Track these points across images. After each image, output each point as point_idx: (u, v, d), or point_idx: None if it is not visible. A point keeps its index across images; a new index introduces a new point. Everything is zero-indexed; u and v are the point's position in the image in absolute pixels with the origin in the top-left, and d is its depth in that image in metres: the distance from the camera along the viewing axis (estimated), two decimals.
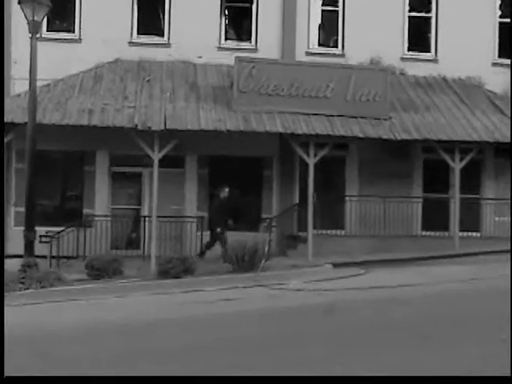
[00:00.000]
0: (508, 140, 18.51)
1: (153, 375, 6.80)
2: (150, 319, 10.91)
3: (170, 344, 8.95)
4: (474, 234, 20.11)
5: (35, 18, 14.67)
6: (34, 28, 14.74)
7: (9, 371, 6.75)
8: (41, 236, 16.58)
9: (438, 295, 12.24)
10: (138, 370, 7.55)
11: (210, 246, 18.16)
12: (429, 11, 21.68)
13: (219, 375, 7.09)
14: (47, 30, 19.81)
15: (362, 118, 18.52)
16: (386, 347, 8.30)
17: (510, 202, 19.76)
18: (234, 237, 16.28)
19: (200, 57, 20.26)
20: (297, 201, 19.91)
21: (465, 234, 19.14)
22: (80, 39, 20.03)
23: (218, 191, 18.63)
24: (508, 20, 21.87)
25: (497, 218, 20.28)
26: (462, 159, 18.62)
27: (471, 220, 20.10)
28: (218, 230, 17.91)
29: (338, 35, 21.26)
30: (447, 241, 19.01)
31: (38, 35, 15.06)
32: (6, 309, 10.74)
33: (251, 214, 19.80)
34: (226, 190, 18.42)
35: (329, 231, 19.33)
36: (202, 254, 18.15)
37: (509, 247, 18.37)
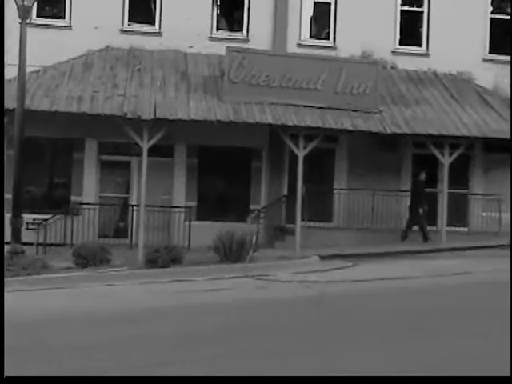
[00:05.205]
0: (497, 135, 18.59)
1: (151, 375, 6.76)
2: (135, 308, 10.90)
3: (155, 332, 8.93)
4: (462, 228, 20.18)
5: (25, 3, 14.55)
6: (23, 13, 14.62)
7: None
8: (28, 223, 16.50)
9: (424, 289, 12.29)
10: (123, 358, 7.54)
11: (410, 226, 19.10)
12: (421, 5, 21.68)
13: (203, 364, 7.10)
14: (37, 16, 19.66)
15: (352, 110, 18.51)
16: (369, 339, 8.32)
17: (496, 197, 19.94)
18: (221, 227, 16.22)
19: (191, 46, 20.17)
20: (285, 192, 19.90)
21: (452, 228, 19.18)
22: (70, 26, 19.89)
23: (417, 175, 19.41)
24: (499, 16, 21.94)
25: (484, 214, 20.35)
26: (451, 154, 18.67)
27: (459, 215, 20.18)
28: (421, 210, 18.83)
29: (329, 28, 21.22)
30: (434, 235, 19.07)
31: (27, 21, 14.94)
32: None
33: (239, 204, 19.78)
34: (424, 174, 19.23)
35: (317, 223, 19.33)
36: (404, 236, 18.98)
37: (495, 243, 18.55)
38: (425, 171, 19.36)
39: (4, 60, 14.92)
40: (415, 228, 19.24)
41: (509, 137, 18.51)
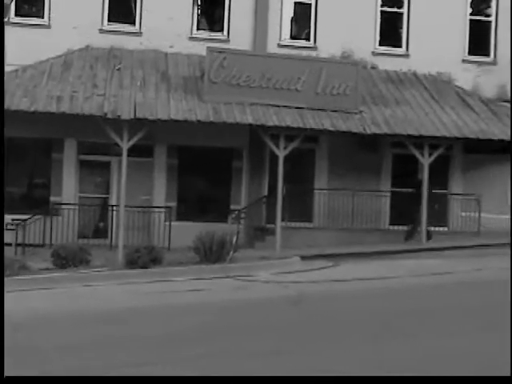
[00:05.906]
0: (476, 136, 18.73)
1: (153, 375, 6.74)
2: (117, 309, 10.84)
3: (138, 333, 8.89)
4: (441, 228, 20.29)
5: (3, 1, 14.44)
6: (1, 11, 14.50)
7: None
8: (7, 224, 16.34)
9: (405, 288, 12.33)
10: (109, 359, 7.49)
11: (416, 224, 19.25)
12: (401, 7, 21.78)
13: (186, 364, 7.06)
14: (16, 15, 19.50)
15: (332, 111, 18.54)
16: (351, 339, 8.33)
17: (475, 197, 20.08)
18: (201, 228, 16.17)
19: (171, 46, 20.11)
20: (266, 193, 19.90)
21: (432, 228, 19.27)
22: (50, 25, 19.75)
23: (416, 174, 19.57)
24: (478, 17, 22.10)
25: (463, 214, 20.47)
26: (430, 154, 18.75)
27: (438, 215, 20.28)
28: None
29: (310, 28, 21.25)
30: (415, 235, 19.18)
31: (5, 19, 14.81)
32: None
33: (220, 204, 19.74)
34: (419, 177, 19.32)
35: (297, 224, 19.35)
36: (409, 235, 19.26)
37: (474, 242, 18.70)
38: (419, 174, 19.42)
39: (4, 60, 14.75)
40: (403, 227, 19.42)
41: (487, 137, 18.71)
